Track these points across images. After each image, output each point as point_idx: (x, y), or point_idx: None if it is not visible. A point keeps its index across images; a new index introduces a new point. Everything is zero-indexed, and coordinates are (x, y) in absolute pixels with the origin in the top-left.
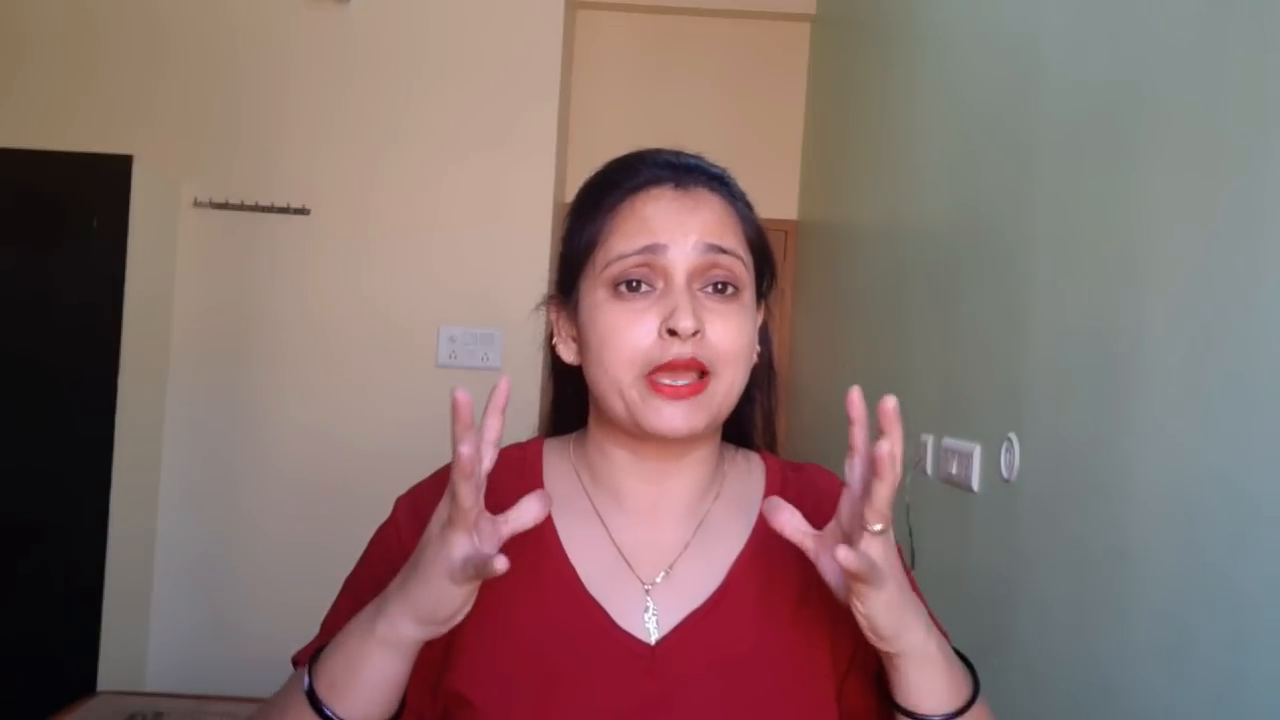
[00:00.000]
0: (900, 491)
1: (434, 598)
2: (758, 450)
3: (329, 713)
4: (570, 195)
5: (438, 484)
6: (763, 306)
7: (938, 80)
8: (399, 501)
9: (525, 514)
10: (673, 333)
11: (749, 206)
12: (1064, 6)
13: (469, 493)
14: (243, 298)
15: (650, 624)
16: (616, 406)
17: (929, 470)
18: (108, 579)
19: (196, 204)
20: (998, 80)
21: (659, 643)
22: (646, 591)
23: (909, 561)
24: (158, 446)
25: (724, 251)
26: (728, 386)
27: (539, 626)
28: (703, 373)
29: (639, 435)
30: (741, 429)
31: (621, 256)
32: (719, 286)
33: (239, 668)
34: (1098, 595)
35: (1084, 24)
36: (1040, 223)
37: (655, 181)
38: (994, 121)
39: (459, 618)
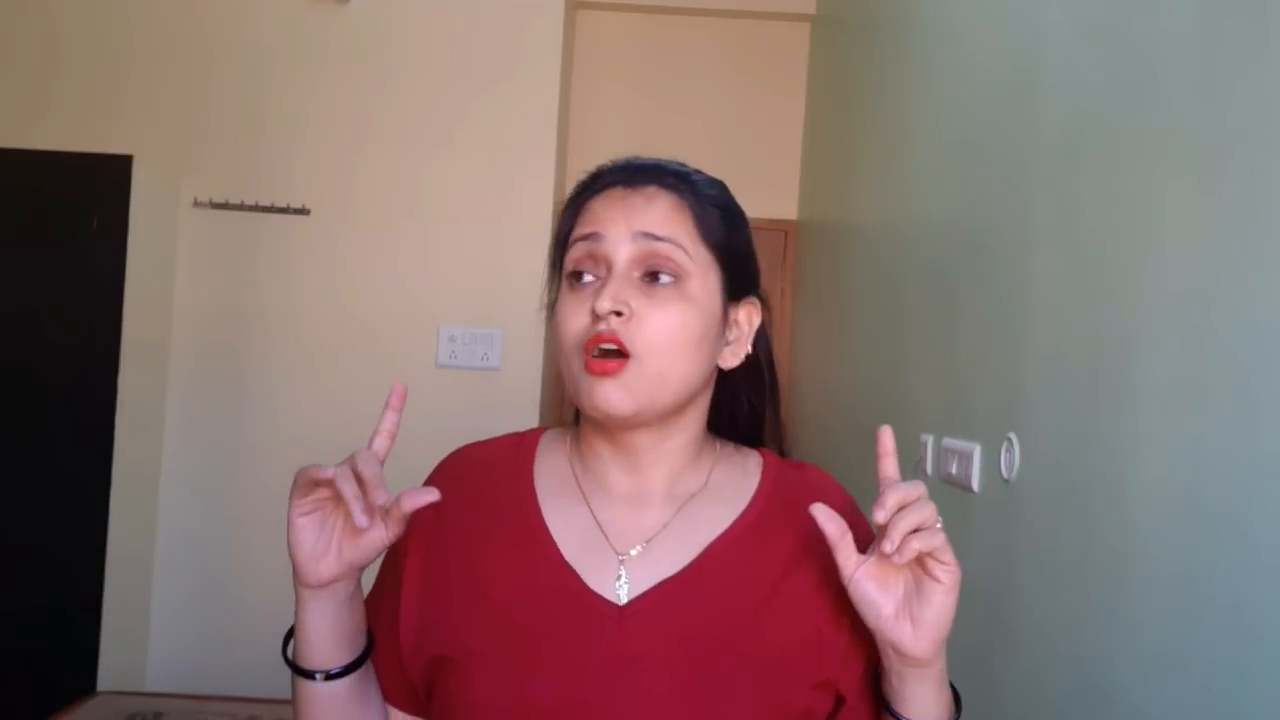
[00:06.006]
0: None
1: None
2: (760, 449)
3: (295, 664)
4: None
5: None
6: (749, 306)
7: (938, 80)
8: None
9: (411, 500)
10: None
11: (717, 207)
12: (1064, 8)
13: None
14: (243, 298)
15: (621, 590)
16: (571, 390)
17: (929, 470)
18: (108, 579)
19: (196, 204)
20: (998, 80)
21: (627, 605)
22: (621, 561)
23: None
24: (158, 446)
25: (658, 239)
26: (658, 372)
27: (515, 590)
28: (623, 352)
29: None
30: (737, 428)
31: (571, 244)
32: (655, 275)
33: (239, 668)
34: (1097, 595)
35: (1084, 25)
36: (1040, 222)
37: (610, 184)
38: (994, 121)
39: (322, 571)
